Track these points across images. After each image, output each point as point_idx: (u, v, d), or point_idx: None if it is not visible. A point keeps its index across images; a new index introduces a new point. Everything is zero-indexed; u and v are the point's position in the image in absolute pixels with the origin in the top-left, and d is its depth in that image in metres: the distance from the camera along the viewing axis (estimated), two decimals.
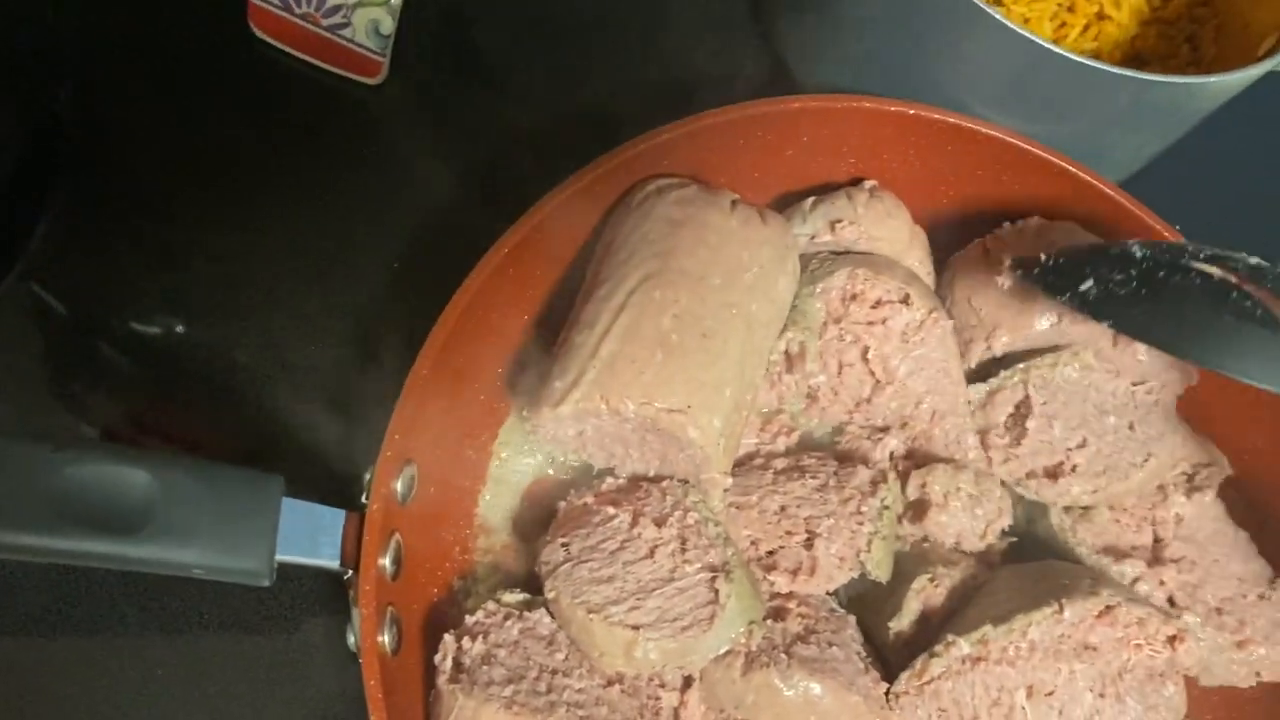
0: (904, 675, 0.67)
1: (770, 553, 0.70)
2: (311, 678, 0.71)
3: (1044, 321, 0.77)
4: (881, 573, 0.69)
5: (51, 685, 0.68)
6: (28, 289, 0.81)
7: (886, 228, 0.79)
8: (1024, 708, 0.66)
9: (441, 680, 0.63)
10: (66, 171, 0.83)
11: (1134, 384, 0.80)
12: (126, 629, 0.69)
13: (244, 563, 0.57)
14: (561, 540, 0.68)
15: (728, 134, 0.77)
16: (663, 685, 0.67)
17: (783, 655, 0.65)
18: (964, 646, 0.65)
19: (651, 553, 0.67)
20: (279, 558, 0.59)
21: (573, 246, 0.77)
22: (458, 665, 0.63)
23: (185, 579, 0.69)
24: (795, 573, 0.69)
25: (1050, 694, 0.66)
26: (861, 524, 0.69)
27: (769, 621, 0.68)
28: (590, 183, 0.73)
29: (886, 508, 0.70)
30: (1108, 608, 0.66)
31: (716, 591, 0.65)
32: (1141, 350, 0.79)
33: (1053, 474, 0.76)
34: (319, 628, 0.72)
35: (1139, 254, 0.66)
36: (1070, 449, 0.76)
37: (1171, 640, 0.67)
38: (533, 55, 0.91)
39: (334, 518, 0.62)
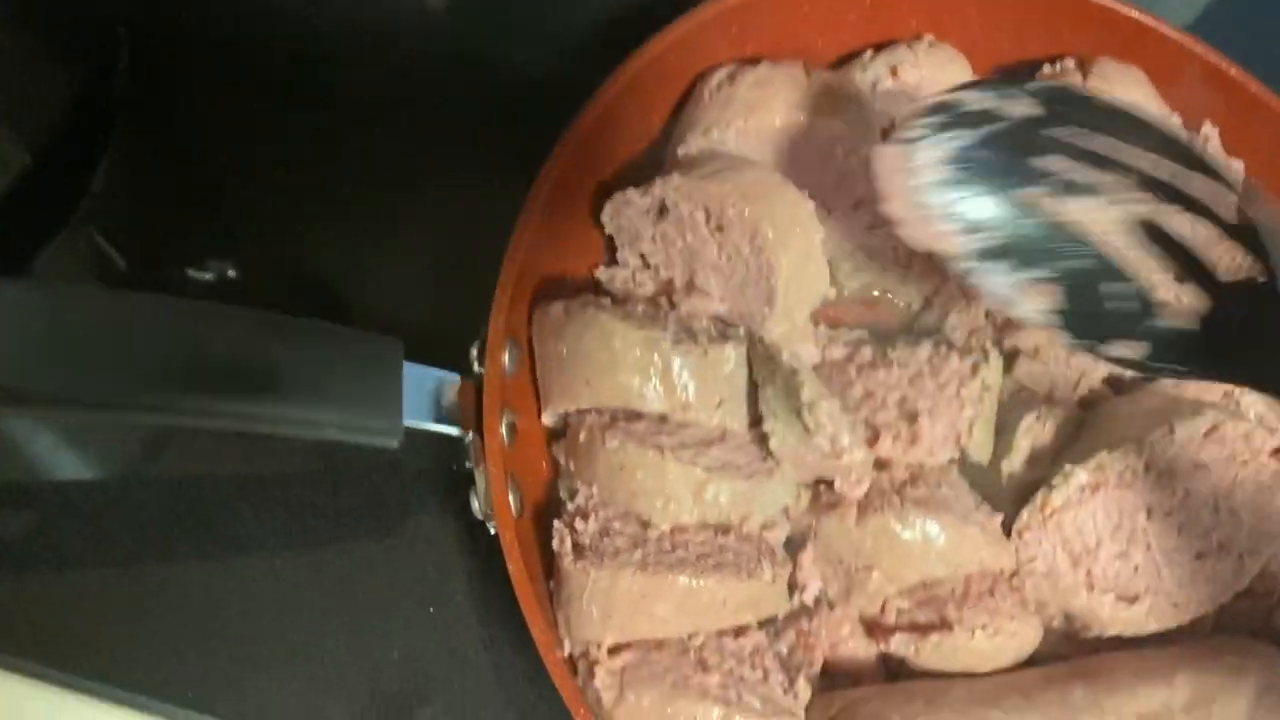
0: (1025, 512, 0.67)
1: (864, 422, 0.69)
2: (428, 560, 0.71)
3: None
4: (982, 455, 0.69)
5: (177, 587, 0.68)
6: (88, 236, 0.81)
7: (948, 73, 0.78)
8: (1145, 529, 0.66)
9: (566, 562, 0.63)
10: (125, 111, 0.83)
11: None
12: (244, 526, 0.69)
13: (376, 420, 0.57)
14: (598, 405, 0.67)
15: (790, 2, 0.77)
16: (766, 528, 0.67)
17: (895, 498, 0.66)
18: (1082, 475, 0.66)
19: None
20: (405, 422, 0.59)
21: (641, 139, 0.78)
22: (577, 546, 0.63)
23: (296, 476, 0.71)
24: (896, 439, 0.68)
25: (1168, 514, 0.67)
26: (963, 408, 0.68)
27: (875, 472, 0.68)
28: (648, 63, 0.73)
29: (988, 389, 0.69)
30: (1214, 426, 0.67)
31: (769, 451, 0.65)
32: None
33: None
34: (429, 513, 0.72)
35: None
36: None
37: (1276, 452, 0.67)
38: None
39: (450, 382, 0.62)
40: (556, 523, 0.65)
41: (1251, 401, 0.76)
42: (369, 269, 0.81)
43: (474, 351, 0.64)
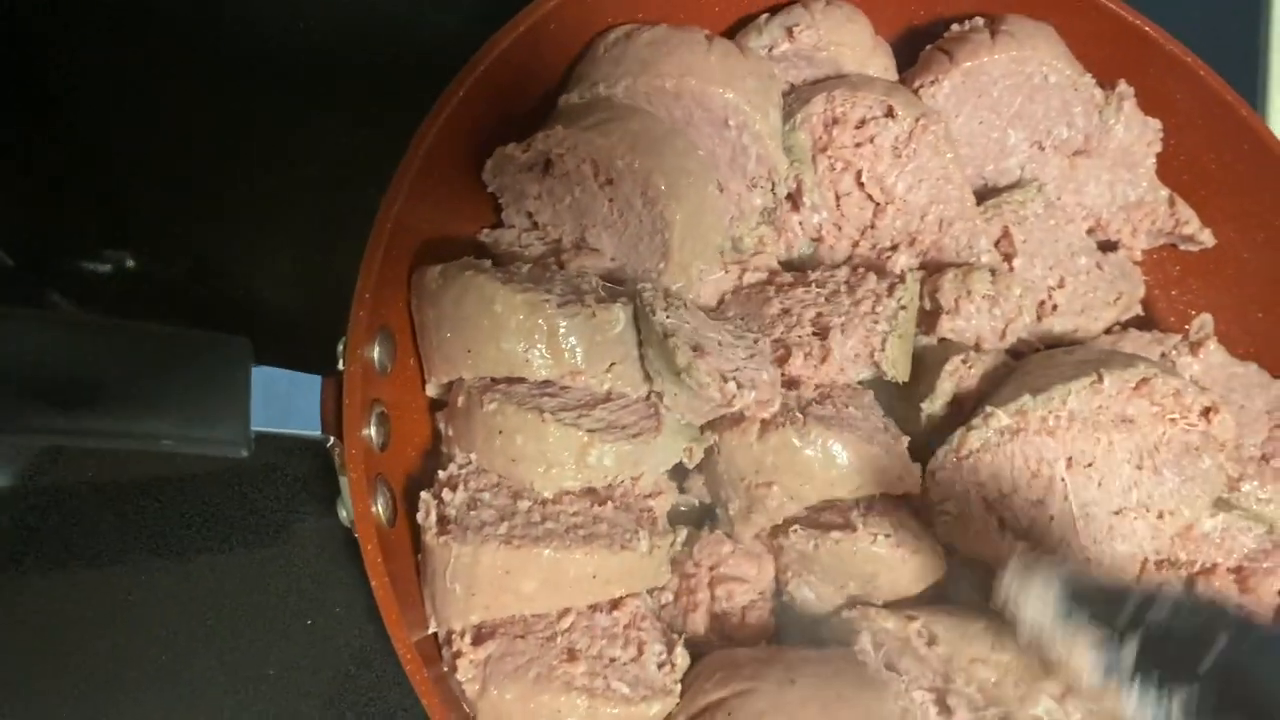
0: (940, 451, 0.65)
1: (777, 341, 0.67)
2: (305, 570, 0.67)
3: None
4: (898, 372, 0.67)
5: (28, 605, 0.63)
6: None
7: (847, 32, 0.75)
8: (1064, 479, 0.64)
9: (429, 536, 0.59)
10: None
11: (1089, 230, 0.80)
12: (104, 539, 0.65)
13: (217, 431, 0.52)
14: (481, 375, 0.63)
15: None
16: (650, 496, 0.64)
17: (798, 414, 0.64)
18: (1003, 418, 0.63)
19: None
20: (255, 428, 0.54)
21: (531, 99, 0.73)
22: (443, 519, 0.59)
23: (164, 481, 0.66)
24: (807, 356, 0.66)
25: (1089, 465, 0.64)
26: (877, 323, 0.66)
27: (784, 390, 0.66)
28: (541, 18, 0.68)
29: (903, 308, 0.67)
30: (1144, 379, 0.64)
31: (655, 408, 0.63)
32: (1088, 193, 0.79)
33: (1037, 314, 0.76)
34: (307, 521, 0.68)
35: None
36: (1051, 287, 0.76)
37: (1206, 413, 0.65)
38: None
39: (309, 384, 0.57)
40: (424, 494, 0.60)
41: (1187, 363, 0.74)
42: (273, 252, 0.76)
43: (339, 347, 0.59)
